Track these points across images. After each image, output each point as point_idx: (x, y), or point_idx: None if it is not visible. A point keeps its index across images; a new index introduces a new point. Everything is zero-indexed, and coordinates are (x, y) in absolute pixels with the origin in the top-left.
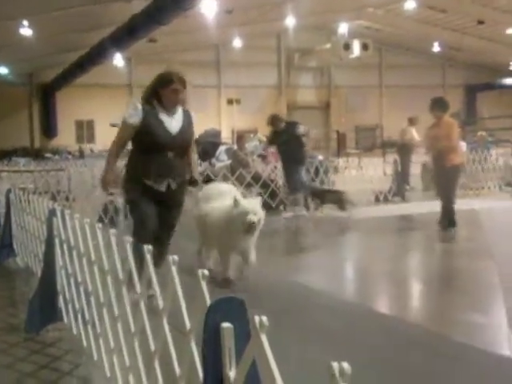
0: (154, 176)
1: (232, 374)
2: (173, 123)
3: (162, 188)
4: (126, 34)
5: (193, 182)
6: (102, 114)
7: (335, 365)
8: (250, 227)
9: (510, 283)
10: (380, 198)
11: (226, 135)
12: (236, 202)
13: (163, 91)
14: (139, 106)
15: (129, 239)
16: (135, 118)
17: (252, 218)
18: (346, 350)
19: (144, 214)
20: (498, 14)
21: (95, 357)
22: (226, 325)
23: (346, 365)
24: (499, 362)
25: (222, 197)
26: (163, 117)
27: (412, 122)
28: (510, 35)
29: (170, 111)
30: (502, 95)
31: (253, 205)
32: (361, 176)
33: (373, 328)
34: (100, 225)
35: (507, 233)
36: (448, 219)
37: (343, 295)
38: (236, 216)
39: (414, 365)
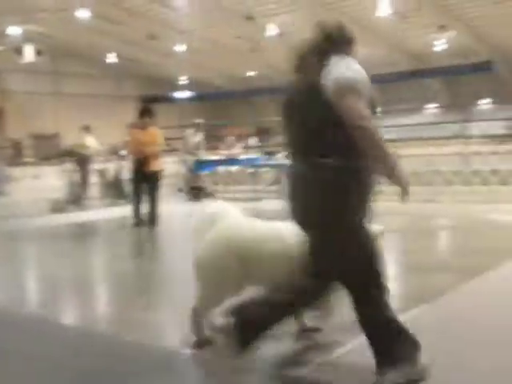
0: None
1: None
2: None
3: None
4: None
5: None
6: None
7: None
8: None
9: (184, 278)
10: (57, 207)
11: None
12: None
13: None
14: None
15: None
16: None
17: None
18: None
19: None
20: (167, 31)
21: None
22: None
23: None
24: (169, 355)
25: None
26: None
27: (87, 130)
28: (178, 51)
29: None
30: (172, 107)
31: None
32: (38, 185)
33: (29, 334)
34: None
35: (178, 235)
36: (151, 220)
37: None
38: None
39: (86, 367)
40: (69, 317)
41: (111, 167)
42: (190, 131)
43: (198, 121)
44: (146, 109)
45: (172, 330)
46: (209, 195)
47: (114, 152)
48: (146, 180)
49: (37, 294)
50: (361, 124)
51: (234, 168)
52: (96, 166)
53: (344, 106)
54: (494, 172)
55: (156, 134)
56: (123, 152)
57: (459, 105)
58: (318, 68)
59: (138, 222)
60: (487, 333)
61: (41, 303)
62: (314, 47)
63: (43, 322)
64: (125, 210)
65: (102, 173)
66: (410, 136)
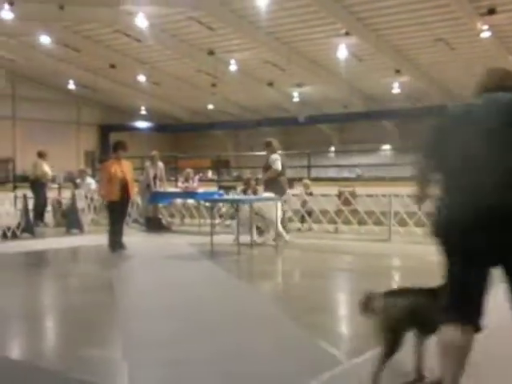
0: None
1: None
2: None
3: None
4: None
5: None
6: None
7: None
8: None
9: (128, 314)
10: (8, 234)
11: None
12: None
13: None
14: None
15: None
16: None
17: None
18: None
19: None
20: (129, 61)
21: None
22: None
23: None
24: None
25: None
26: None
27: (42, 155)
28: (139, 82)
29: None
30: (132, 137)
31: None
32: None
33: None
34: None
35: (130, 267)
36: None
37: None
38: None
39: None
40: (15, 351)
41: (66, 196)
42: (149, 163)
43: (153, 153)
44: (120, 143)
45: (122, 368)
46: (165, 227)
47: (70, 179)
48: (120, 207)
49: None
50: None
51: (190, 201)
52: (51, 194)
53: None
54: None
55: (129, 166)
56: (78, 180)
57: (409, 147)
58: None
59: (117, 246)
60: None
61: None
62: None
63: None
64: (79, 240)
65: (56, 201)
66: (367, 175)
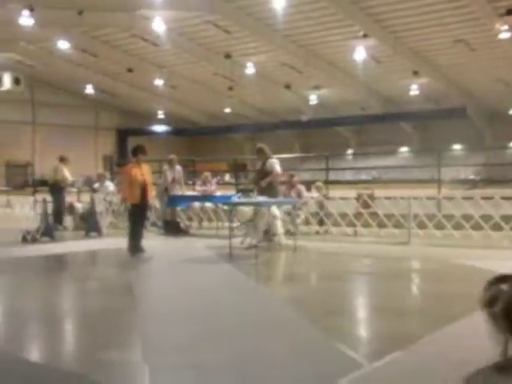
0: None
1: None
2: None
3: None
4: None
5: None
6: None
7: None
8: None
9: (147, 318)
10: (28, 238)
11: None
12: None
13: None
14: None
15: None
16: None
17: None
18: None
19: None
20: (146, 65)
21: None
22: None
23: None
24: None
25: None
26: None
27: (63, 160)
28: (156, 86)
29: None
30: (150, 140)
31: None
32: (10, 214)
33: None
34: None
35: (148, 270)
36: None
37: None
38: None
39: None
40: (36, 354)
41: (85, 199)
42: (167, 166)
43: (171, 156)
44: (140, 147)
45: (141, 372)
46: (183, 230)
47: (88, 183)
48: (141, 211)
49: (3, 328)
50: None
51: (208, 204)
52: (69, 198)
53: None
54: (466, 217)
55: (148, 170)
56: (97, 184)
57: (430, 149)
58: None
59: (136, 250)
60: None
61: (7, 338)
62: None
63: (9, 358)
64: (98, 243)
65: (74, 205)
66: (385, 178)
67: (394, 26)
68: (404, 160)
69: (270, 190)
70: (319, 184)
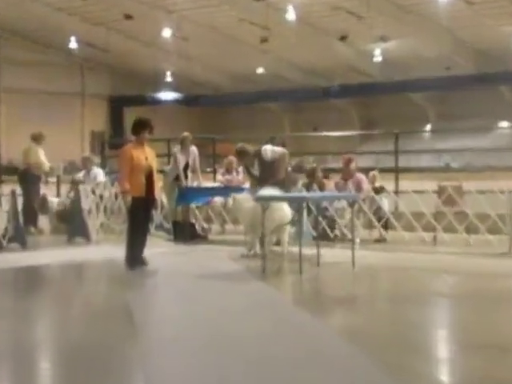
0: None
1: None
2: None
3: None
4: None
5: None
6: None
7: None
8: None
9: (153, 358)
10: None
11: None
12: None
13: None
14: None
15: None
16: None
17: None
18: None
19: None
20: (149, 10)
21: None
22: None
23: None
24: None
25: None
26: None
27: (37, 139)
28: (163, 38)
29: None
30: (155, 112)
31: None
32: None
33: None
34: None
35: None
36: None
37: None
38: None
39: None
40: None
41: (67, 193)
42: (177, 148)
43: (184, 134)
44: (143, 121)
45: None
46: (199, 235)
47: (71, 171)
48: (145, 208)
49: None
50: None
51: None
52: (45, 190)
53: None
54: None
55: (153, 153)
56: (82, 172)
57: None
58: None
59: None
60: None
61: None
62: None
63: None
64: (85, 252)
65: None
66: (477, 164)
67: None
68: (504, 140)
69: (288, 180)
70: (374, 173)
